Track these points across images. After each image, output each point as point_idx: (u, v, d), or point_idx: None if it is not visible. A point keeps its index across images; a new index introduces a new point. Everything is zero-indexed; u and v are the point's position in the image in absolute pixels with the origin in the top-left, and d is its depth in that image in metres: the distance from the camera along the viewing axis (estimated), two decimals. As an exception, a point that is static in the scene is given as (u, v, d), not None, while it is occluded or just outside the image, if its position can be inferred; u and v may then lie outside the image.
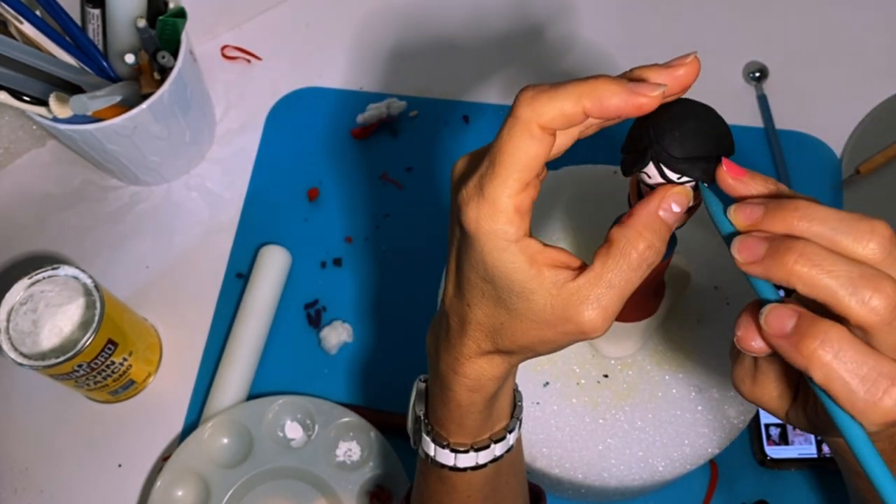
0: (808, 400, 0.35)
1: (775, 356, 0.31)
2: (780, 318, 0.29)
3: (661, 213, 0.33)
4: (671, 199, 0.33)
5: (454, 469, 0.40)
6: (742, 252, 0.31)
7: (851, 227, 0.29)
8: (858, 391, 0.27)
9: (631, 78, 0.32)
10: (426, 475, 0.43)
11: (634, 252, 0.32)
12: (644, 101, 0.31)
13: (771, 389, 0.35)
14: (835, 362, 0.28)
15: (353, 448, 0.61)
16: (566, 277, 0.32)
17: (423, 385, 0.42)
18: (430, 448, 0.41)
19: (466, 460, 0.40)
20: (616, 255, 0.32)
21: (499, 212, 0.32)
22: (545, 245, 0.33)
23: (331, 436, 0.61)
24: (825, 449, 0.61)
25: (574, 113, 0.31)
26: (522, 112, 0.31)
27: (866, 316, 0.28)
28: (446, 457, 0.40)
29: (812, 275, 0.28)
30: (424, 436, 0.41)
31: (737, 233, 0.32)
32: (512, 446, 0.41)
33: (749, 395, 0.36)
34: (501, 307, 0.33)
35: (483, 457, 0.40)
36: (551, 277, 0.32)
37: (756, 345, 0.30)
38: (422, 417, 0.41)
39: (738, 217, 0.32)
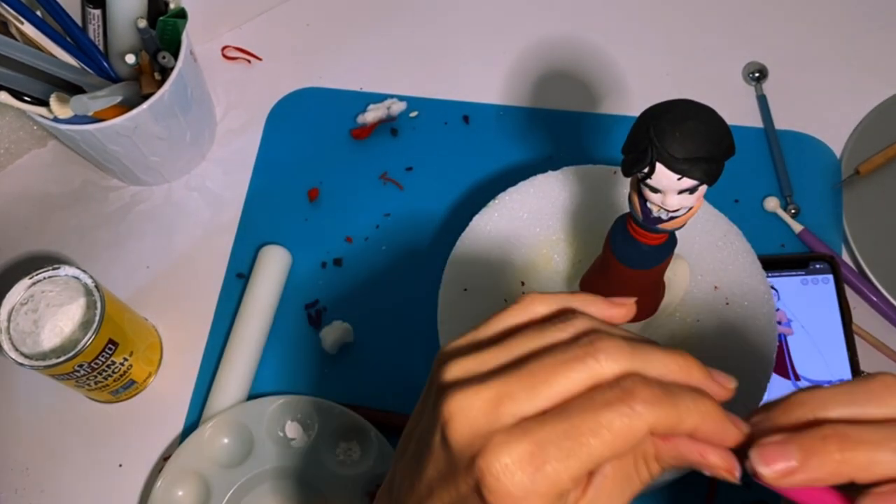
0: None
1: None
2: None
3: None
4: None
5: None
6: (771, 464, 0.27)
7: (867, 393, 0.28)
8: None
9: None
10: None
11: None
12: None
13: None
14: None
15: (353, 448, 0.61)
16: None
17: None
18: None
19: None
20: None
21: None
22: None
23: (331, 436, 0.61)
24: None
25: None
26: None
27: None
28: None
29: (868, 456, 0.26)
30: None
31: None
32: None
33: None
34: None
35: None
36: None
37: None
38: None
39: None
